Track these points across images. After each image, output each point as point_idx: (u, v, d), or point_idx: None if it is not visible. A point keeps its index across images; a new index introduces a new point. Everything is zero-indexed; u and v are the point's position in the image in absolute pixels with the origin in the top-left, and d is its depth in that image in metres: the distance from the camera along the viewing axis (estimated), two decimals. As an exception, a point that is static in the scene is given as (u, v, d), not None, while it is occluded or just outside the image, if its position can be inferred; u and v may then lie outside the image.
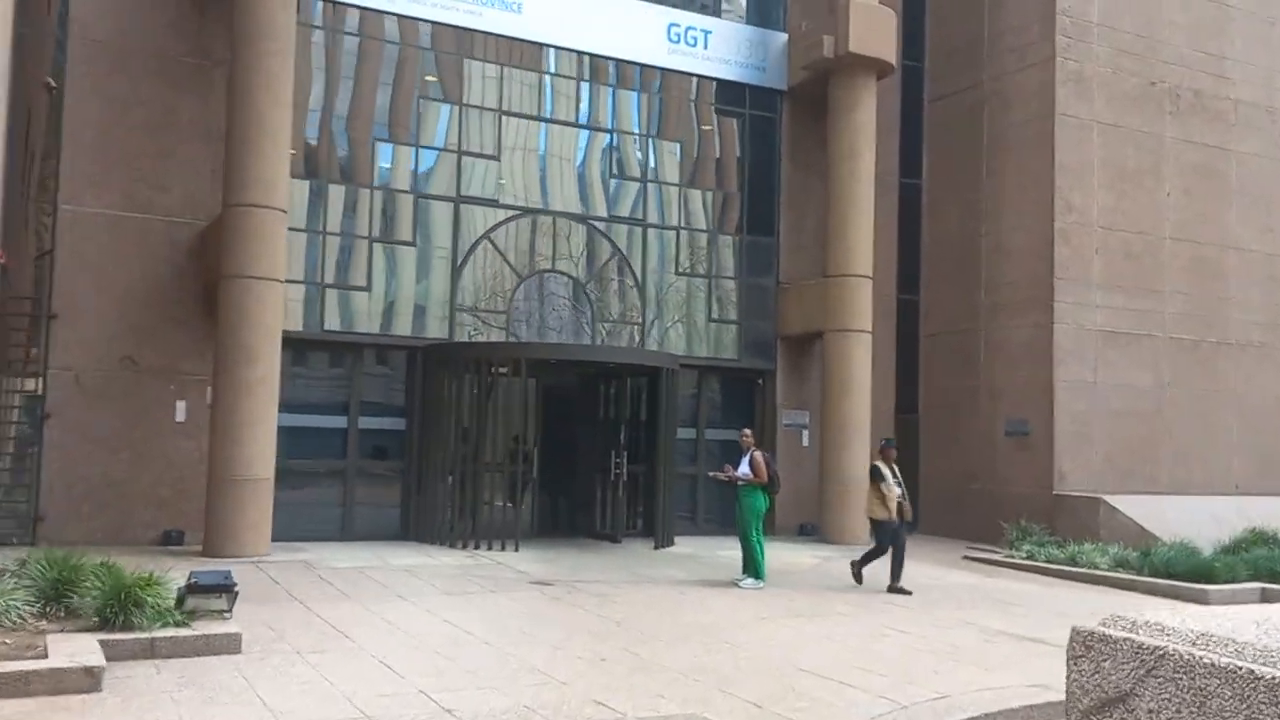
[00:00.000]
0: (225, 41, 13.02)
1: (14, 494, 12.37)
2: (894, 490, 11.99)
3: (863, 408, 16.95)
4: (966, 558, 15.44)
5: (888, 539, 12.00)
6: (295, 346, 14.17)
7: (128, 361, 12.99)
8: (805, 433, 18.12)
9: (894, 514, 11.95)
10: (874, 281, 17.36)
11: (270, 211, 12.40)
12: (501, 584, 11.36)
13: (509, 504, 14.53)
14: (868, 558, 12.17)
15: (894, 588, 11.87)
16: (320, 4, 14.47)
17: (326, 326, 14.42)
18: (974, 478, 18.08)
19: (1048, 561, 14.60)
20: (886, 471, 12.10)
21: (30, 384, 12.50)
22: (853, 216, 17.06)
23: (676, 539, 15.67)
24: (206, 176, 13.30)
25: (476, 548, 13.98)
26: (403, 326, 15.00)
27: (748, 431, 12.75)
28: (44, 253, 12.83)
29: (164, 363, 13.22)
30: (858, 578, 12.07)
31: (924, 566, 13.73)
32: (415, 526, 14.67)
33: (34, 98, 13.23)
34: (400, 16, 15.06)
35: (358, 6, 14.71)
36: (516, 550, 13.87)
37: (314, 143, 14.56)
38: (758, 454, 12.34)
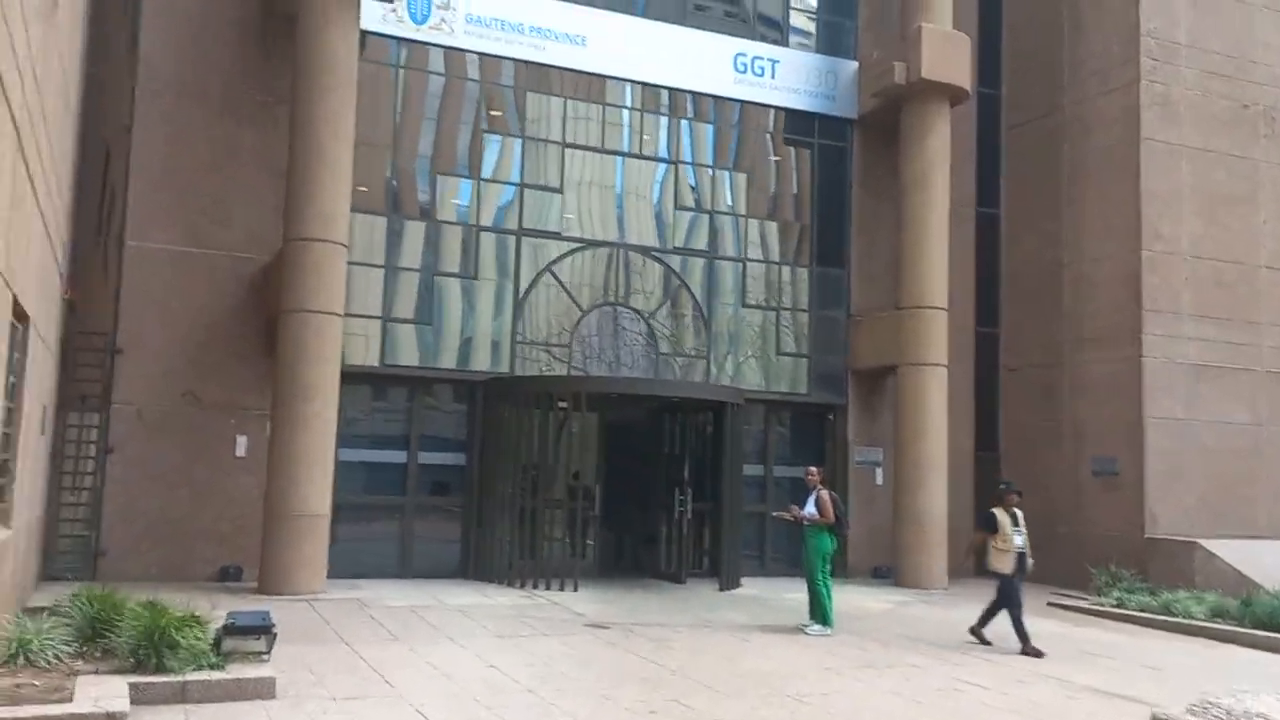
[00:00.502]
0: (289, 79, 13.07)
1: (76, 529, 12.40)
2: (1015, 540, 10.96)
3: (939, 445, 16.24)
4: (1051, 605, 14.58)
5: (1014, 594, 10.93)
6: (355, 380, 14.08)
7: (190, 396, 13.03)
8: (879, 470, 17.45)
9: (1016, 567, 10.93)
10: (950, 314, 16.70)
11: (330, 245, 12.35)
12: (556, 626, 10.98)
13: (569, 542, 14.17)
14: (1015, 624, 10.90)
15: (977, 631, 11.17)
16: (384, 40, 14.51)
17: (387, 360, 14.31)
18: (1058, 520, 17.16)
19: (1139, 609, 13.70)
20: (1005, 519, 11.04)
21: (94, 418, 12.57)
22: (926, 246, 16.47)
23: (743, 580, 15.13)
24: (270, 212, 13.34)
25: (535, 587, 13.64)
26: (463, 360, 14.83)
27: (814, 470, 12.21)
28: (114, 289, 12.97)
29: (225, 398, 13.23)
30: (1032, 650, 10.66)
31: (1006, 616, 12.96)
32: (474, 564, 14.41)
33: (112, 138, 13.44)
34: (464, 51, 15.03)
35: (421, 42, 14.73)
36: (575, 590, 13.49)
37: (375, 177, 14.54)
38: (824, 493, 11.81)
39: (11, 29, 6.01)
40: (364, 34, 14.18)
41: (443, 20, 14.72)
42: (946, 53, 16.40)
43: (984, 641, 11.14)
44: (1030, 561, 11.15)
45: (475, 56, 15.14)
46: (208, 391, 13.14)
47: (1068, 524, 17.05)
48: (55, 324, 11.29)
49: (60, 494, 12.37)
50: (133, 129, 13.01)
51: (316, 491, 12.18)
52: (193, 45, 13.38)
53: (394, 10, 14.29)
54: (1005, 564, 11.00)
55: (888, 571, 16.82)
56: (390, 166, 14.65)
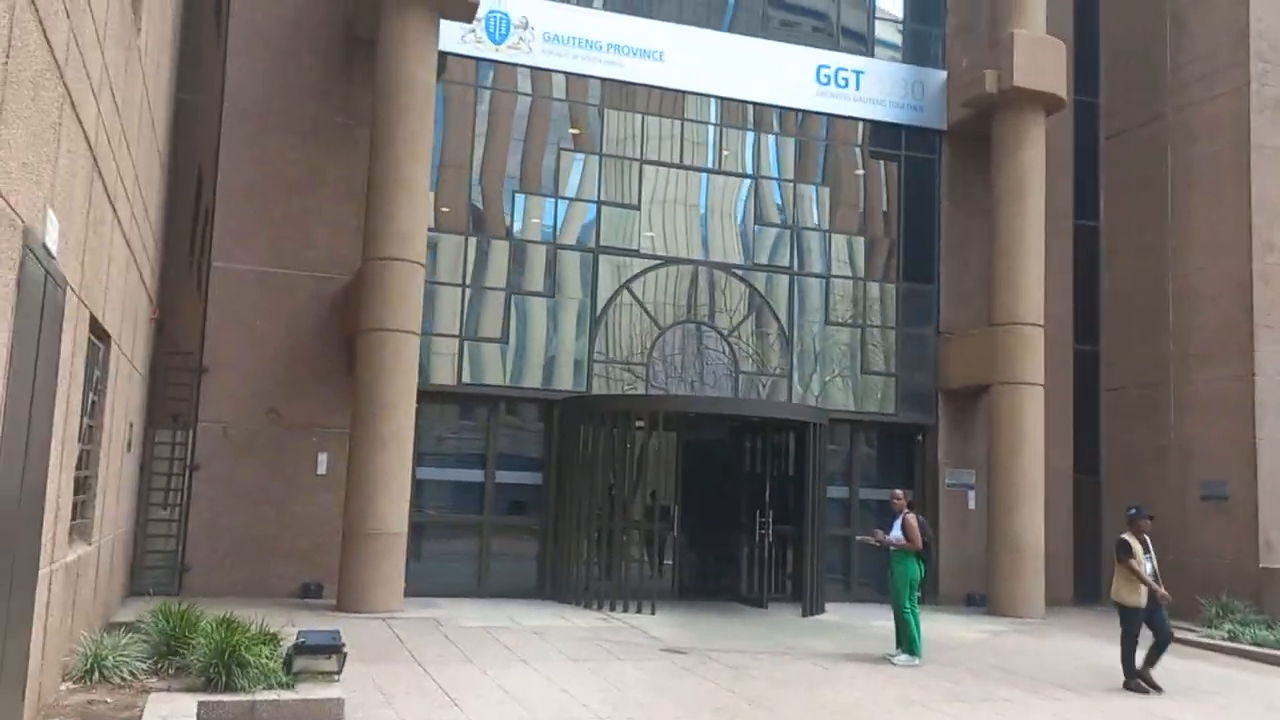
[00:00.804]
0: (370, 101, 13.21)
1: (164, 544, 12.63)
2: (1144, 568, 10.25)
3: (1035, 467, 15.56)
4: (1156, 637, 13.76)
5: (1137, 628, 10.23)
6: (434, 399, 14.12)
7: (273, 415, 13.20)
8: (971, 494, 16.81)
9: (1147, 598, 10.22)
10: (1047, 330, 16.03)
11: (407, 264, 12.40)
12: (631, 650, 10.73)
13: (647, 563, 13.92)
14: (1126, 658, 10.27)
15: (1144, 675, 10.19)
16: (464, 61, 14.59)
17: (465, 379, 14.31)
18: (1164, 546, 16.12)
19: (1254, 644, 12.86)
20: (1137, 546, 10.32)
21: (182, 436, 12.81)
22: (1021, 260, 15.86)
23: (827, 606, 14.68)
24: (351, 233, 13.50)
25: (612, 609, 13.42)
26: (540, 378, 14.76)
27: (899, 493, 11.75)
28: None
29: (307, 416, 13.37)
30: (1136, 686, 10.10)
31: (1109, 647, 12.26)
32: (551, 584, 14.27)
33: (203, 162, 13.75)
34: (543, 70, 15.03)
35: (500, 62, 14.78)
36: (653, 613, 13.23)
37: (456, 197, 14.60)
38: (910, 517, 11.35)
39: (85, 51, 6.08)
40: (444, 55, 14.34)
41: (521, 39, 14.75)
42: (1040, 59, 15.81)
43: (1153, 687, 10.08)
44: (1162, 589, 10.29)
45: (554, 75, 15.13)
46: (290, 410, 13.30)
47: (1174, 551, 16.12)
48: (144, 343, 11.53)
49: (149, 510, 12.61)
50: (219, 153, 13.28)
51: (394, 510, 12.18)
52: (278, 72, 13.65)
53: (473, 31, 14.37)
54: (1137, 595, 10.26)
55: (981, 599, 16.17)
56: (471, 186, 14.69)
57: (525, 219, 14.97)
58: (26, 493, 5.41)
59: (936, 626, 13.42)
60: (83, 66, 6.11)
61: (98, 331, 8.08)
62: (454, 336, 14.33)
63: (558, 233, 15.05)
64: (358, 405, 12.30)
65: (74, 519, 7.92)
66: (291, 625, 10.94)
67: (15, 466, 5.03)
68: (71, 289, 6.42)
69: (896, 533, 11.35)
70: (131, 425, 10.94)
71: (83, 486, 8.24)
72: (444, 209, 14.42)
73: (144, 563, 12.58)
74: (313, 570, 13.16)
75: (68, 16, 5.54)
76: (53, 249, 5.56)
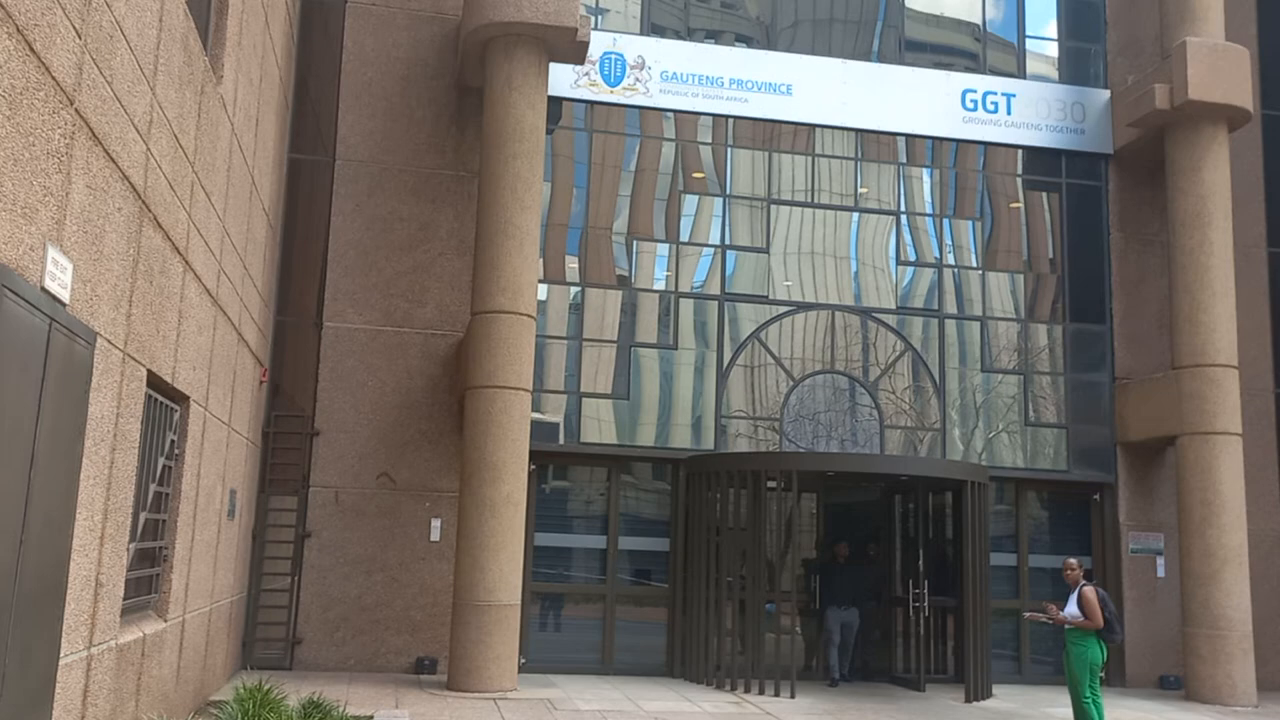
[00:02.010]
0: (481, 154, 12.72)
1: (276, 615, 12.16)
2: None
3: (1236, 529, 13.48)
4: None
5: None
6: (549, 460, 13.33)
7: (385, 478, 12.66)
8: (1160, 560, 14.75)
9: None
10: (1241, 375, 14.03)
11: (516, 317, 11.70)
12: (760, 744, 9.46)
13: (786, 640, 12.57)
14: None
15: None
16: (578, 105, 14.01)
17: (583, 439, 13.46)
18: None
19: None
20: None
21: (293, 501, 12.40)
22: (1207, 295, 13.95)
23: (995, 689, 12.97)
24: (463, 288, 12.98)
25: (746, 690, 12.14)
26: (665, 437, 13.75)
27: (1073, 562, 10.14)
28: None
29: (419, 480, 12.77)
30: None
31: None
32: (680, 661, 13.10)
33: (319, 220, 13.51)
34: (662, 110, 14.28)
35: (614, 104, 14.10)
36: (792, 697, 11.88)
37: (569, 245, 13.91)
38: (1088, 589, 9.76)
39: (113, 80, 5.57)
40: (558, 101, 13.80)
41: (637, 80, 14.06)
42: (1219, 68, 14.04)
43: None
44: None
45: (673, 115, 14.35)
46: (402, 473, 12.74)
47: None
48: (249, 406, 11.18)
49: (263, 580, 12.19)
50: (331, 211, 13.03)
51: (505, 580, 11.33)
52: (389, 127, 13.37)
53: (587, 75, 13.78)
54: None
55: (1176, 681, 14.08)
56: (585, 233, 13.98)
57: (643, 267, 14.10)
58: (27, 572, 4.76)
59: (1127, 715, 11.58)
60: (113, 97, 5.59)
61: (166, 391, 7.59)
62: (571, 394, 13.52)
63: (679, 279, 14.11)
64: (466, 467, 11.59)
65: (139, 594, 7.37)
66: (396, 706, 10.19)
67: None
68: (108, 341, 5.86)
69: (1073, 608, 9.78)
70: (234, 492, 10.52)
71: (153, 558, 7.71)
72: (572, 263, 13.74)
73: (256, 635, 12.12)
74: (427, 644, 12.45)
75: (79, 37, 5.00)
76: (60, 295, 4.97)
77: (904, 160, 15.10)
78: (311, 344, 12.86)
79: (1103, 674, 9.96)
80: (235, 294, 9.74)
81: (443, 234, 13.31)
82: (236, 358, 10.05)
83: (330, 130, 13.25)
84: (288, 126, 12.89)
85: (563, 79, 13.70)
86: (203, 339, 8.28)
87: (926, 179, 15.17)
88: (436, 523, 12.70)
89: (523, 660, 12.70)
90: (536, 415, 12.94)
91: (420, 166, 13.38)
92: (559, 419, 13.43)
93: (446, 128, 13.53)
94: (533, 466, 13.15)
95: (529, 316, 11.84)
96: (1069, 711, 10.58)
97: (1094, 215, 15.51)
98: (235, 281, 9.67)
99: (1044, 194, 15.56)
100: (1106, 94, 15.60)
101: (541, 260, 13.37)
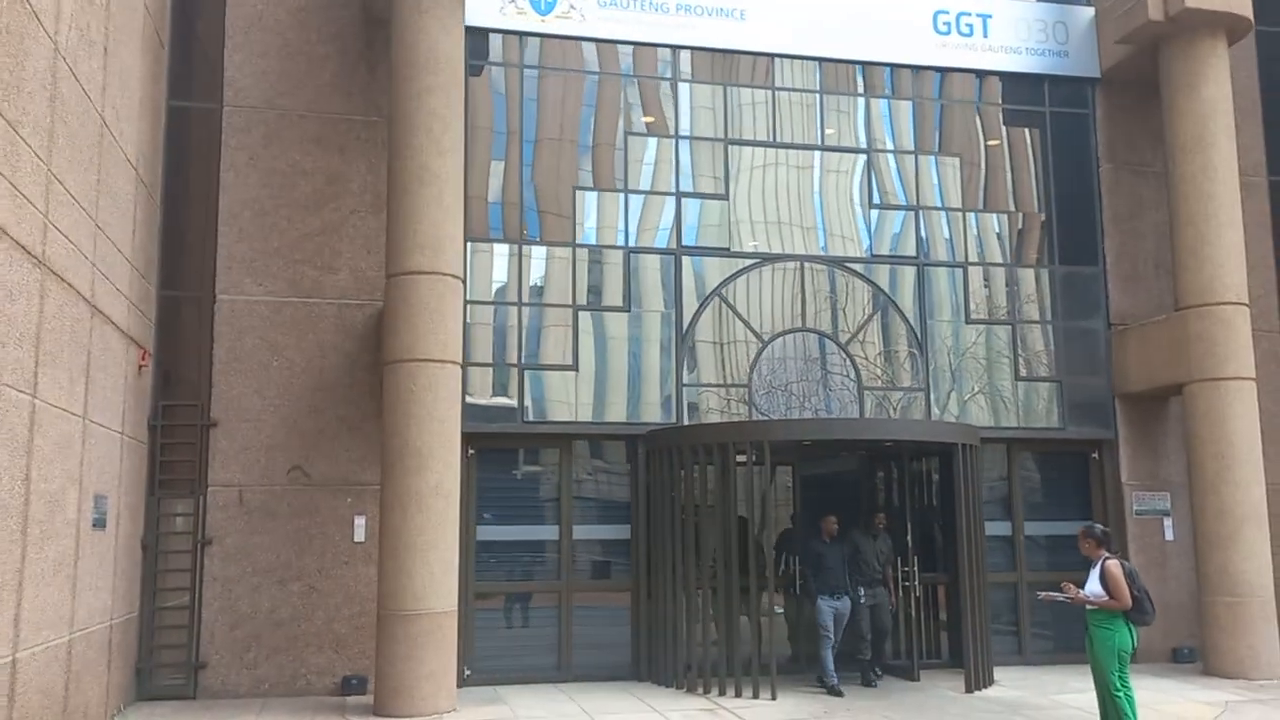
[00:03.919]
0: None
1: (173, 637, 10.49)
2: None
3: (1253, 484, 12.19)
4: None
5: None
6: (488, 442, 11.72)
7: (297, 473, 10.99)
8: (1168, 522, 13.45)
9: None
10: (1250, 311, 12.71)
11: (439, 278, 10.06)
12: (740, 766, 7.98)
13: (761, 633, 11.09)
14: None
15: None
16: (499, 36, 12.31)
17: (525, 417, 11.85)
18: None
19: None
20: None
21: (188, 505, 10.71)
22: (1212, 226, 12.60)
23: (996, 672, 11.62)
24: (381, 251, 11.25)
25: (721, 693, 10.67)
26: (619, 411, 12.16)
27: (1096, 528, 8.70)
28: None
29: (339, 472, 11.12)
30: None
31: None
32: (646, 661, 11.61)
33: (203, 177, 11.63)
34: (600, 41, 12.62)
35: (548, 35, 12.42)
36: (773, 698, 10.44)
37: (500, 197, 12.25)
38: (1112, 564, 8.37)
39: None
40: (479, 31, 12.11)
41: (571, 7, 12.38)
42: (1216, -27, 12.63)
43: None
44: None
45: (614, 46, 12.68)
46: (318, 466, 11.07)
47: None
48: (121, 394, 9.46)
49: (156, 596, 10.51)
50: (220, 165, 11.26)
51: (437, 584, 9.74)
52: (284, 67, 11.58)
53: (514, 2, 12.08)
54: None
55: (1191, 654, 12.83)
56: (519, 184, 12.32)
57: (587, 218, 12.43)
58: None
59: (1143, 695, 10.25)
60: None
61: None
62: (511, 366, 11.89)
63: (629, 233, 12.49)
64: (386, 456, 9.98)
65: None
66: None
67: None
68: None
69: (1094, 585, 8.36)
70: (102, 497, 8.83)
71: (-42, 590, 6.05)
72: (516, 208, 12.10)
73: (153, 660, 10.45)
74: (354, 661, 10.84)
75: None
76: None
77: (873, 91, 13.55)
78: (204, 321, 11.10)
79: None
80: (82, 257, 8.02)
81: (355, 189, 11.59)
82: (90, 336, 8.33)
83: (217, 72, 11.44)
84: (165, 68, 11.08)
85: (487, 5, 12.00)
86: (15, 308, 6.58)
87: (895, 112, 13.64)
88: (361, 521, 11.05)
89: (467, 673, 11.15)
90: (469, 396, 11.32)
91: (324, 111, 11.62)
92: (498, 395, 11.80)
93: (354, 66, 11.77)
94: (471, 451, 11.55)
95: (454, 277, 10.20)
96: (1082, 698, 9.36)
97: (1081, 145, 14.09)
98: (80, 242, 7.94)
99: (1026, 126, 14.10)
100: (1091, 11, 14.15)
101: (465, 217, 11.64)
